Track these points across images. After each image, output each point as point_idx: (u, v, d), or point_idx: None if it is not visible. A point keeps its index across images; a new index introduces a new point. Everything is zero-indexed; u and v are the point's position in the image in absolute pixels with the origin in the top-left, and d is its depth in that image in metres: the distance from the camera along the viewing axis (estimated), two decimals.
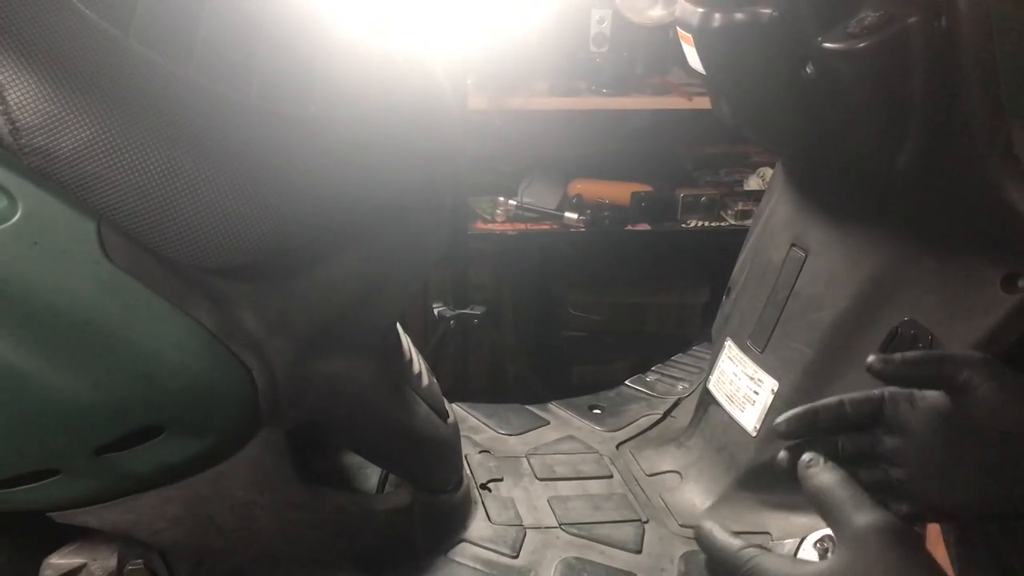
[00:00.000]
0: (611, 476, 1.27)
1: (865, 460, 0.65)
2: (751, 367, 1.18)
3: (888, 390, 0.65)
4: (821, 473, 0.60)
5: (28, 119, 0.70)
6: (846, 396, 0.66)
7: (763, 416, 1.14)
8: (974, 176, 0.90)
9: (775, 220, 1.23)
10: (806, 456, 0.62)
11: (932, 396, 0.63)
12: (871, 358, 0.64)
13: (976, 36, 0.84)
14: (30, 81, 0.69)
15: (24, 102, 0.69)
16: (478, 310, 1.93)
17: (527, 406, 1.45)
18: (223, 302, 0.81)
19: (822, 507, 0.59)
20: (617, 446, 1.35)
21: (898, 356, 0.63)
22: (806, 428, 0.66)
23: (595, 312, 2.27)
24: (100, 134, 0.71)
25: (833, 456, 0.62)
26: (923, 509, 0.64)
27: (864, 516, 0.56)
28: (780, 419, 0.66)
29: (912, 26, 0.86)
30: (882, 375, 0.64)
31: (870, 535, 0.55)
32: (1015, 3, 0.85)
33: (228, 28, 0.77)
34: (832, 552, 0.63)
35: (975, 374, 0.60)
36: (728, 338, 1.26)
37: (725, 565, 0.60)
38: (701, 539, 0.63)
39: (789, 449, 0.65)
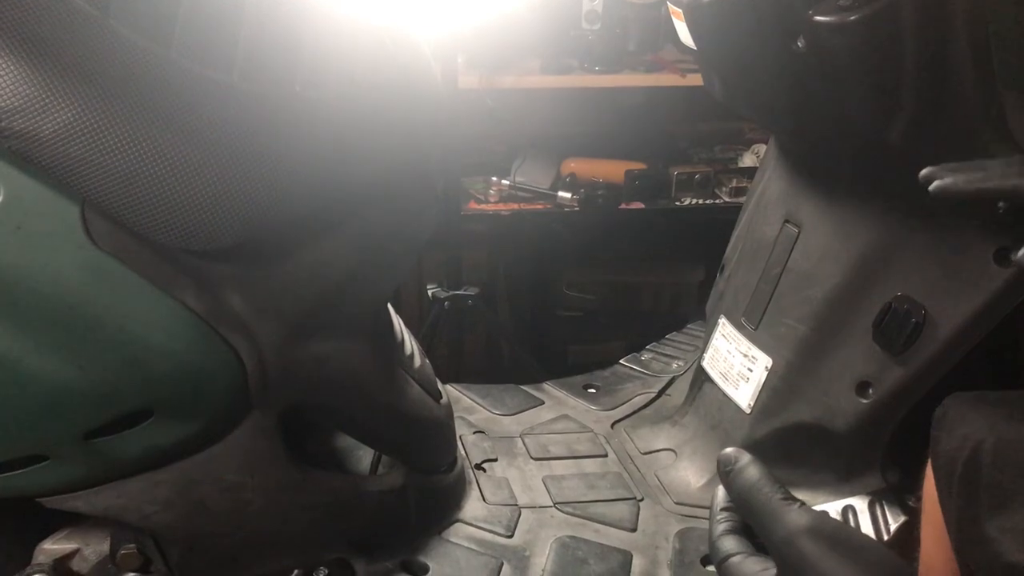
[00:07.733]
0: (606, 455, 1.27)
1: None
2: (745, 344, 1.18)
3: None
4: (739, 474, 0.56)
5: (8, 102, 0.69)
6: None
7: (757, 393, 1.14)
8: (966, 149, 0.89)
9: (768, 196, 1.22)
10: (721, 457, 0.58)
11: None
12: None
13: (967, 7, 0.83)
14: (9, 63, 0.69)
15: (3, 85, 0.69)
16: (472, 291, 1.93)
17: (521, 386, 1.44)
18: (210, 285, 0.80)
19: (747, 513, 0.55)
20: (612, 425, 1.35)
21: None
22: None
23: (590, 291, 2.26)
24: (81, 117, 0.71)
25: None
26: None
27: (790, 520, 0.52)
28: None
29: None
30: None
31: (801, 540, 0.52)
32: None
33: (210, 8, 0.76)
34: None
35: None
36: (722, 316, 1.25)
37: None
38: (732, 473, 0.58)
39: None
